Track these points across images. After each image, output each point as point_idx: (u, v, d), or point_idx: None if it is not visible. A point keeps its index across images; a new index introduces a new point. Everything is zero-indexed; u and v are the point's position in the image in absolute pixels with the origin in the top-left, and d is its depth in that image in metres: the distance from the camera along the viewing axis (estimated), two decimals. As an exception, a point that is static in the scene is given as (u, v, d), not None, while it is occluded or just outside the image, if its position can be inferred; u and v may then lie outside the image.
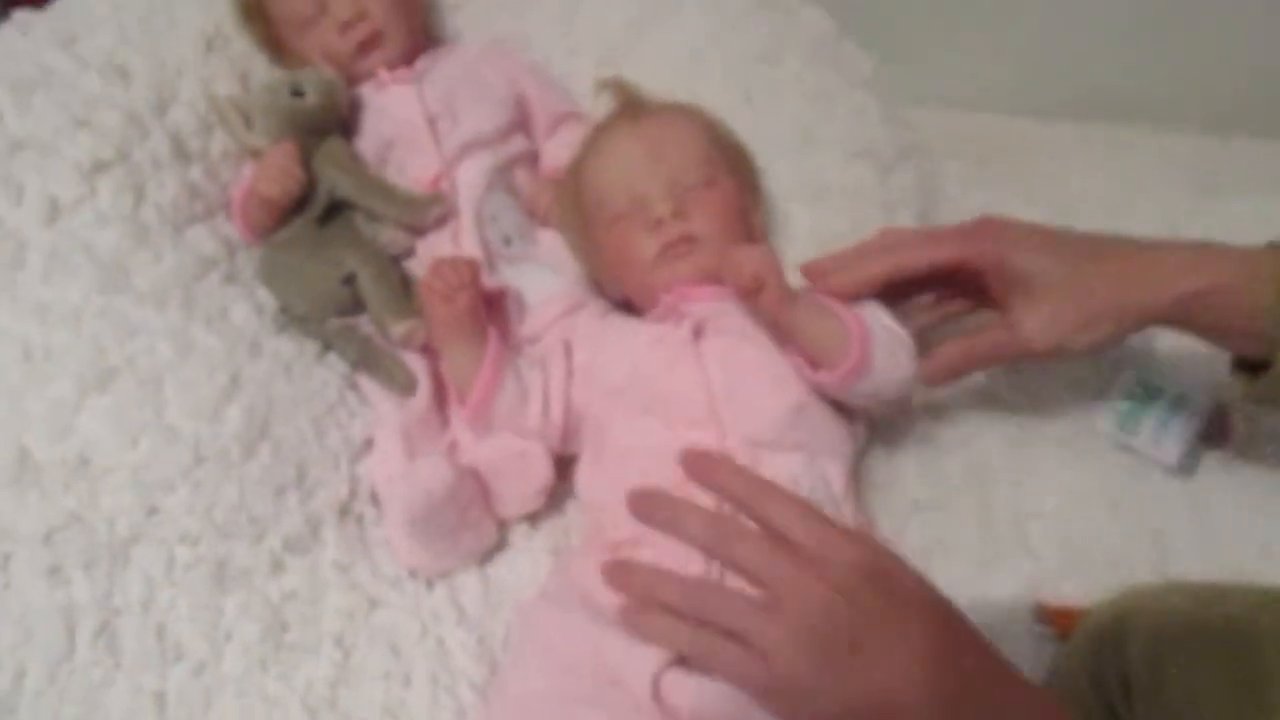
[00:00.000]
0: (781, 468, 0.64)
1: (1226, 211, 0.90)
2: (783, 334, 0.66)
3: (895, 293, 0.70)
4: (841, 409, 0.68)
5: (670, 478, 0.58)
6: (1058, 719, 0.50)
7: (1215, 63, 1.13)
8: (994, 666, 0.50)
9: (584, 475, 0.71)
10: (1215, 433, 0.77)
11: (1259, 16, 1.12)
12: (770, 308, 0.64)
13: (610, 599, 0.61)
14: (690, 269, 0.70)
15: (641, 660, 0.56)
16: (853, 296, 0.68)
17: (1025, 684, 0.51)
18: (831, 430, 0.68)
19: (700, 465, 0.55)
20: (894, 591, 0.49)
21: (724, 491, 0.55)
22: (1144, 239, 0.68)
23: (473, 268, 0.70)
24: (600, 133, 0.77)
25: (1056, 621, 0.68)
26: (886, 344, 0.65)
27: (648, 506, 0.55)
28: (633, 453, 0.67)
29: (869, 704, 0.47)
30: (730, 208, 0.73)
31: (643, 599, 0.55)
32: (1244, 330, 0.63)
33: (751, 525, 0.52)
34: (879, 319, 0.67)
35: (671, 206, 0.70)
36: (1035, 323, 0.66)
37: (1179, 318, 0.64)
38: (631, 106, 0.78)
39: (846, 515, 0.66)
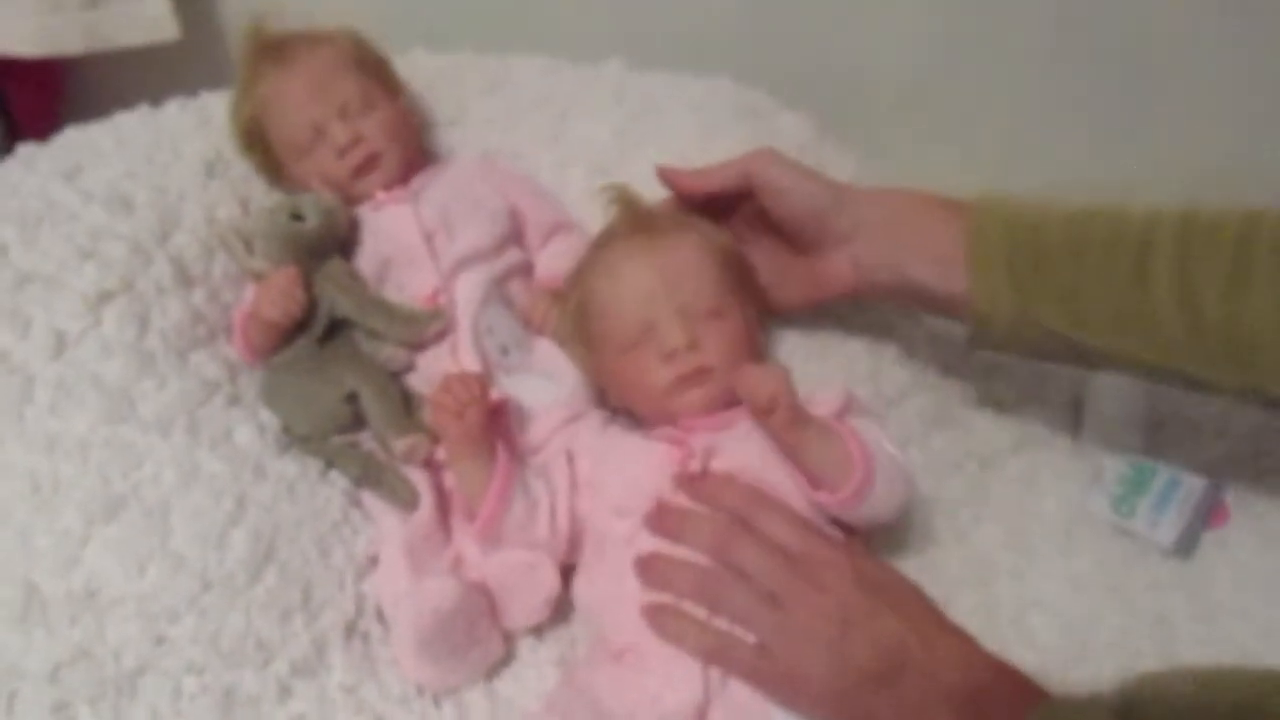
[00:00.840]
0: None
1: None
2: (789, 453, 0.67)
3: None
4: (839, 522, 0.69)
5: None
6: (1025, 689, 0.59)
7: (1187, 152, 1.17)
8: (966, 645, 0.61)
9: (583, 584, 0.71)
10: (1211, 513, 0.78)
11: (1229, 108, 1.17)
12: (781, 429, 0.65)
13: (618, 705, 0.62)
14: (702, 399, 0.71)
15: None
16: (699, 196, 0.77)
17: (994, 659, 0.60)
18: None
19: (697, 484, 0.67)
20: (874, 587, 0.61)
21: (722, 504, 0.66)
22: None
23: (481, 382, 0.71)
24: (608, 250, 0.77)
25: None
26: (888, 470, 0.67)
27: (659, 518, 0.66)
28: (627, 556, 0.68)
29: (859, 679, 0.58)
30: (740, 336, 0.73)
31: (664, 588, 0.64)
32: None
33: (751, 538, 0.63)
34: (881, 445, 0.68)
35: (686, 339, 0.70)
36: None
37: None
38: (638, 220, 0.78)
39: None
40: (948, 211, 0.72)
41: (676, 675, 0.62)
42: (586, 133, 0.95)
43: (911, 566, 0.75)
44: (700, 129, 0.95)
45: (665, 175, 0.79)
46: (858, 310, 0.85)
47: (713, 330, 0.71)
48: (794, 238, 0.77)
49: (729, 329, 0.72)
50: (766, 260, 0.79)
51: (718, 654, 0.62)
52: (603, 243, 0.78)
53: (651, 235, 0.75)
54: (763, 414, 0.65)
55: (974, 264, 0.70)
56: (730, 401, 0.71)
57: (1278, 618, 0.73)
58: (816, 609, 0.60)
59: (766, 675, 0.60)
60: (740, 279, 0.76)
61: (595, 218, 0.93)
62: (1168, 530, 0.77)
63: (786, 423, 0.65)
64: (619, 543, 0.69)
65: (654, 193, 0.88)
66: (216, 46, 1.19)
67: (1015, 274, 0.69)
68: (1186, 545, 0.77)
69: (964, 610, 0.73)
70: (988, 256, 0.69)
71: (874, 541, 0.76)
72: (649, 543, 0.68)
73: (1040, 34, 1.17)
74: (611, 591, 0.68)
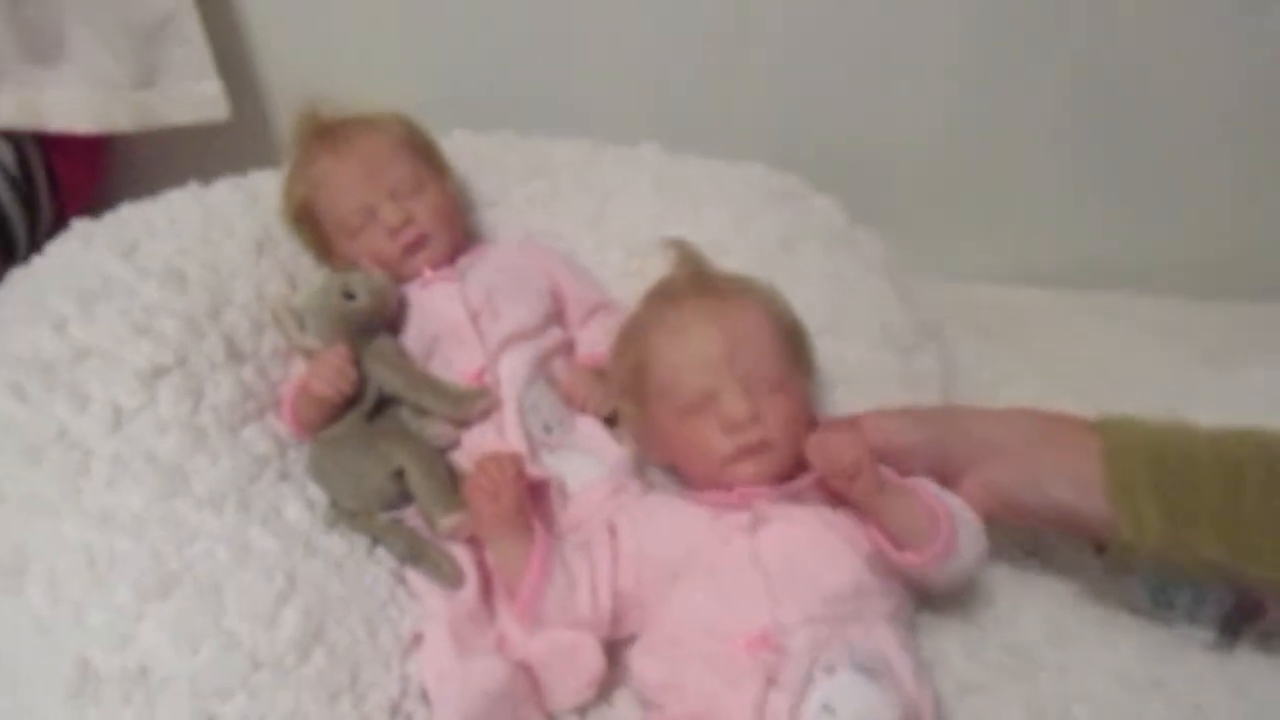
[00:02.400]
0: (833, 638, 0.65)
1: (1237, 383, 0.94)
2: (871, 517, 0.68)
3: None
4: (892, 582, 0.69)
5: (725, 652, 0.64)
6: None
7: (1205, 230, 1.20)
8: None
9: (639, 659, 0.71)
10: (1250, 606, 0.78)
11: (1244, 186, 1.20)
12: (864, 493, 0.66)
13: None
14: (759, 471, 0.71)
15: None
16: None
17: None
18: (883, 601, 0.69)
19: None
20: None
21: None
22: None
23: (516, 463, 0.72)
24: (674, 308, 0.76)
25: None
26: (968, 526, 0.68)
27: None
28: (686, 631, 0.68)
29: None
30: (800, 410, 0.74)
31: None
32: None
33: None
34: (953, 500, 0.69)
35: (750, 412, 0.70)
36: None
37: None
38: (705, 281, 0.78)
39: (905, 674, 0.66)
40: (1079, 430, 0.71)
41: None
42: (626, 216, 0.98)
43: (955, 648, 0.76)
44: (736, 213, 0.98)
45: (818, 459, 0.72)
46: (897, 392, 0.86)
47: (774, 403, 0.72)
48: (924, 473, 0.74)
49: (789, 403, 0.73)
50: None
51: None
52: (666, 299, 0.78)
53: (719, 298, 0.75)
54: (845, 479, 0.66)
55: (1116, 487, 0.68)
56: (782, 474, 0.71)
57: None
58: None
59: None
60: (799, 350, 0.77)
61: (632, 299, 0.95)
62: (1207, 623, 0.77)
63: (870, 487, 0.66)
64: (672, 614, 0.69)
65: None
66: (260, 124, 1.22)
67: (1164, 499, 0.67)
68: (1227, 639, 0.77)
69: (1008, 699, 0.74)
70: (1130, 480, 0.68)
71: (919, 626, 0.76)
72: (709, 609, 0.67)
73: (1059, 120, 1.21)
74: (671, 665, 0.68)
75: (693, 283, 0.78)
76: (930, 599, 0.77)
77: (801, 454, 0.71)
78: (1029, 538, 0.83)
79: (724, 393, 0.71)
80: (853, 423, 0.75)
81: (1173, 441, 0.69)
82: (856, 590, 0.68)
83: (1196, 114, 1.17)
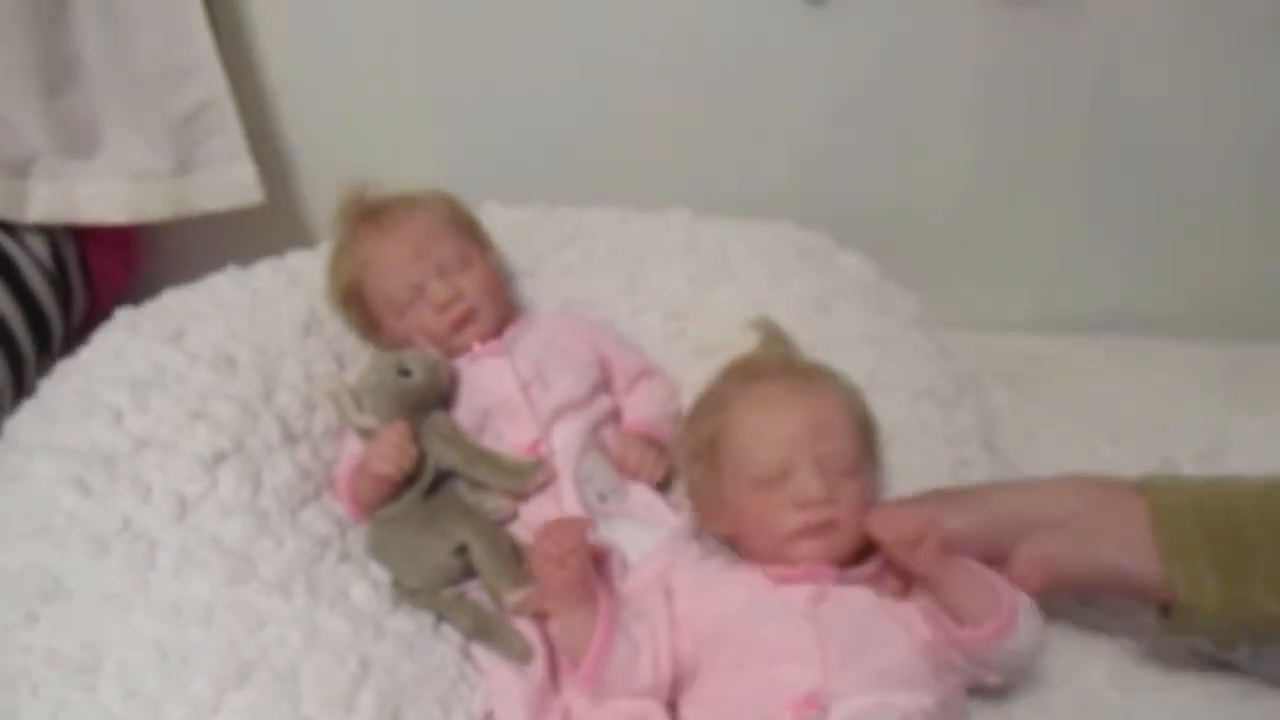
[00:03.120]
0: (879, 708, 0.65)
1: (1270, 424, 0.95)
2: (934, 590, 0.68)
3: None
4: (947, 676, 0.69)
5: (770, 710, 0.64)
6: None
7: (1225, 271, 1.22)
8: None
9: (684, 708, 0.70)
10: (1313, 645, 0.78)
11: (1261, 226, 1.22)
12: (927, 563, 0.67)
13: None
14: (821, 550, 0.72)
15: None
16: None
17: None
18: (936, 687, 0.69)
19: None
20: None
21: None
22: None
23: (580, 528, 0.72)
24: (758, 382, 0.77)
25: None
26: (1029, 609, 0.68)
27: None
28: (734, 685, 0.68)
29: None
30: (870, 499, 0.75)
31: None
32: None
33: None
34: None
35: (825, 491, 0.71)
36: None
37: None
38: (789, 363, 0.80)
39: None
40: (1124, 494, 0.71)
41: None
42: (661, 281, 0.99)
43: (1023, 709, 0.76)
44: (769, 272, 0.99)
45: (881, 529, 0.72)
46: (942, 448, 0.87)
47: (847, 487, 0.73)
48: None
49: (860, 489, 0.74)
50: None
51: None
52: (751, 375, 0.79)
53: (804, 380, 0.77)
54: (909, 548, 0.67)
55: (1169, 550, 0.68)
56: (843, 559, 0.72)
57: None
58: None
59: None
60: (871, 443, 0.78)
61: (673, 362, 0.96)
62: (1271, 664, 0.77)
63: (934, 557, 0.66)
64: (720, 678, 0.69)
65: (727, 338, 0.91)
66: (289, 204, 1.24)
67: (1217, 558, 0.67)
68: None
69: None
70: (1183, 542, 0.68)
71: (985, 690, 0.76)
72: (757, 665, 0.67)
73: (1075, 168, 1.23)
74: (717, 710, 0.68)
75: (779, 362, 0.81)
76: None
77: (862, 542, 0.72)
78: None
79: (801, 469, 0.72)
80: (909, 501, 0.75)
81: (1218, 498, 0.69)
82: (910, 671, 0.68)
83: (1211, 155, 1.19)
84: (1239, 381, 1.08)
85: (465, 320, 0.87)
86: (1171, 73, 1.15)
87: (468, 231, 0.92)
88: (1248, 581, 0.67)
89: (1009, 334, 1.22)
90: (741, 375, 0.80)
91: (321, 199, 1.16)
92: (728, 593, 0.72)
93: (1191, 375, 1.11)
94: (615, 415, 0.90)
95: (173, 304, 0.91)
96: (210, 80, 1.05)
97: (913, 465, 0.85)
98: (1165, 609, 0.70)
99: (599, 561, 0.76)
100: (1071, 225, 1.26)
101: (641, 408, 0.89)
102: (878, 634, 0.69)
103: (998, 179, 1.23)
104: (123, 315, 0.89)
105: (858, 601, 0.71)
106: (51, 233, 1.08)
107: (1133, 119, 1.18)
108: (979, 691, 0.75)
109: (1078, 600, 0.82)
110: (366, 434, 0.79)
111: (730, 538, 0.79)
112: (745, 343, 0.87)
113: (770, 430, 0.74)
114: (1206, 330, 1.18)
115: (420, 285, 0.87)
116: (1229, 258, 1.24)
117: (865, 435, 0.77)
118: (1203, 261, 1.25)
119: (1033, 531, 0.72)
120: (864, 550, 0.73)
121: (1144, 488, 0.71)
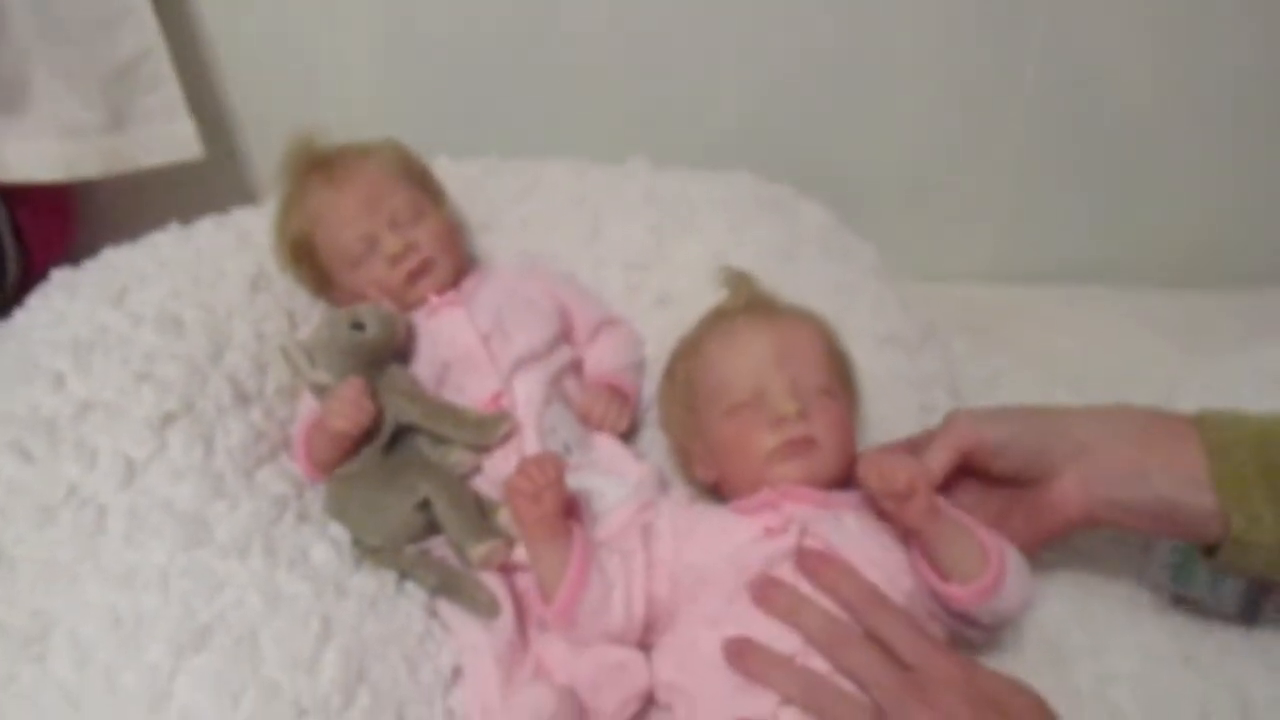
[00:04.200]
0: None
1: (1226, 368, 0.95)
2: (921, 544, 0.67)
3: None
4: (929, 624, 0.68)
5: None
6: None
7: (1177, 221, 1.23)
8: None
9: (661, 665, 0.69)
10: (1265, 583, 0.79)
11: (1213, 176, 1.23)
12: (917, 517, 0.65)
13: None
14: (802, 470, 0.71)
15: None
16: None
17: None
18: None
19: (818, 567, 0.65)
20: (993, 707, 0.58)
21: (840, 595, 0.64)
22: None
23: (557, 465, 0.70)
24: (725, 319, 0.78)
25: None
26: (1018, 567, 0.67)
27: (768, 594, 0.65)
28: (707, 637, 0.66)
29: None
30: (846, 420, 0.75)
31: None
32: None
33: (866, 643, 0.61)
34: (1006, 543, 0.68)
35: (797, 406, 0.71)
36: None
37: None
38: (757, 300, 0.80)
39: None
40: (1179, 425, 0.69)
41: None
42: (621, 231, 0.98)
43: (986, 649, 0.76)
44: (729, 222, 0.98)
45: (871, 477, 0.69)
46: (909, 393, 0.87)
47: (822, 407, 0.73)
48: (1013, 479, 0.72)
49: (836, 410, 0.74)
50: (978, 507, 0.72)
51: None
52: (718, 317, 0.80)
53: (771, 313, 0.78)
54: (899, 500, 0.65)
55: (1225, 483, 0.65)
56: (827, 481, 0.71)
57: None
58: None
59: None
60: (847, 374, 0.78)
61: (635, 313, 0.95)
62: (1228, 598, 0.78)
63: (924, 510, 0.64)
64: (699, 620, 0.68)
65: (692, 286, 0.90)
66: (230, 160, 1.20)
67: (1275, 492, 0.64)
68: (1250, 611, 0.78)
69: (1045, 691, 0.74)
70: (1240, 475, 0.65)
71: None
72: (735, 625, 0.66)
73: (1032, 125, 1.23)
74: (696, 672, 0.66)
75: (748, 301, 0.80)
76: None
77: (848, 468, 0.71)
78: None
79: (771, 391, 0.72)
80: (908, 449, 0.74)
81: (1275, 433, 0.67)
82: None
83: (1164, 107, 1.20)
84: (1192, 327, 1.10)
85: (420, 272, 0.85)
86: (1125, 24, 1.15)
87: (420, 181, 0.90)
88: None
89: (968, 283, 1.23)
90: (711, 318, 0.80)
91: (265, 153, 1.12)
92: (712, 540, 0.71)
93: (1146, 322, 1.12)
94: (577, 366, 0.88)
95: (113, 263, 0.87)
96: (142, 29, 1.00)
97: (880, 412, 0.85)
98: (1208, 549, 0.68)
99: (571, 509, 0.75)
100: (1028, 176, 1.26)
101: (604, 358, 0.88)
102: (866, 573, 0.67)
103: (954, 130, 1.23)
104: (60, 276, 0.86)
105: (845, 536, 0.68)
106: (-22, 194, 1.03)
107: (1087, 70, 1.18)
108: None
109: (1117, 530, 0.77)
110: (321, 391, 0.77)
111: (715, 484, 0.78)
112: (708, 291, 0.86)
113: (738, 357, 0.75)
114: (1157, 278, 1.19)
115: (373, 237, 0.84)
116: (1183, 208, 1.25)
117: (837, 362, 0.77)
118: (1157, 211, 1.26)
119: (1083, 453, 0.68)
120: (852, 477, 0.71)
121: (1199, 420, 0.69)
